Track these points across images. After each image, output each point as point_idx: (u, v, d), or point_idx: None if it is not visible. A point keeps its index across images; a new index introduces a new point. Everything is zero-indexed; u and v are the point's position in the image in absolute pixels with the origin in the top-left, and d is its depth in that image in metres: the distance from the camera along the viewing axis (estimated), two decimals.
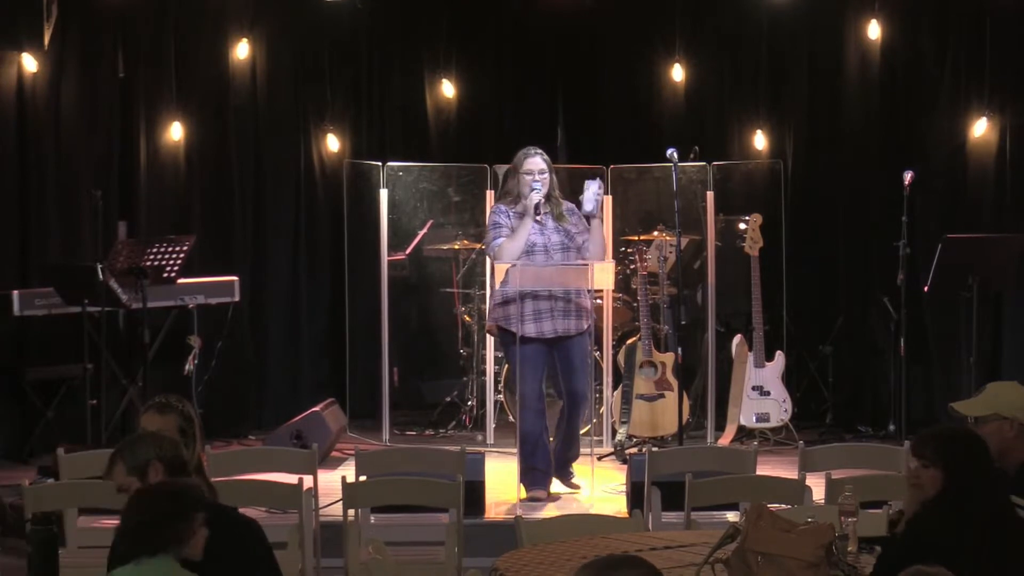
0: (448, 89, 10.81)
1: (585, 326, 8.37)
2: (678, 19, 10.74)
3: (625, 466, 8.32)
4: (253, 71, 10.47)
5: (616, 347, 9.75)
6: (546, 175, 8.27)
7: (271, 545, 4.69)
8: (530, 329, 8.23)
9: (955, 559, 3.94)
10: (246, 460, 7.10)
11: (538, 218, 8.25)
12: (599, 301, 9.70)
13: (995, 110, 10.12)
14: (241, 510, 4.92)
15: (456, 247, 10.32)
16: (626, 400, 9.42)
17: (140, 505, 4.26)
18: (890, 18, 10.35)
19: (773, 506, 5.09)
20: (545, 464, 8.32)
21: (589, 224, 8.27)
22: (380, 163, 10.02)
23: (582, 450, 9.03)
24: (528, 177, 8.22)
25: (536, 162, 8.27)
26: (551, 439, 8.44)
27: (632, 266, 9.79)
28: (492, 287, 9.72)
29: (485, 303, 9.92)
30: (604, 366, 9.67)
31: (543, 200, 8.24)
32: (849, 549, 4.63)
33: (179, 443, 4.74)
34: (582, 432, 9.65)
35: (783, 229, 10.03)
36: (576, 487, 8.46)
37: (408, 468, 6.87)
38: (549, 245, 8.26)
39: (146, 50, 10.16)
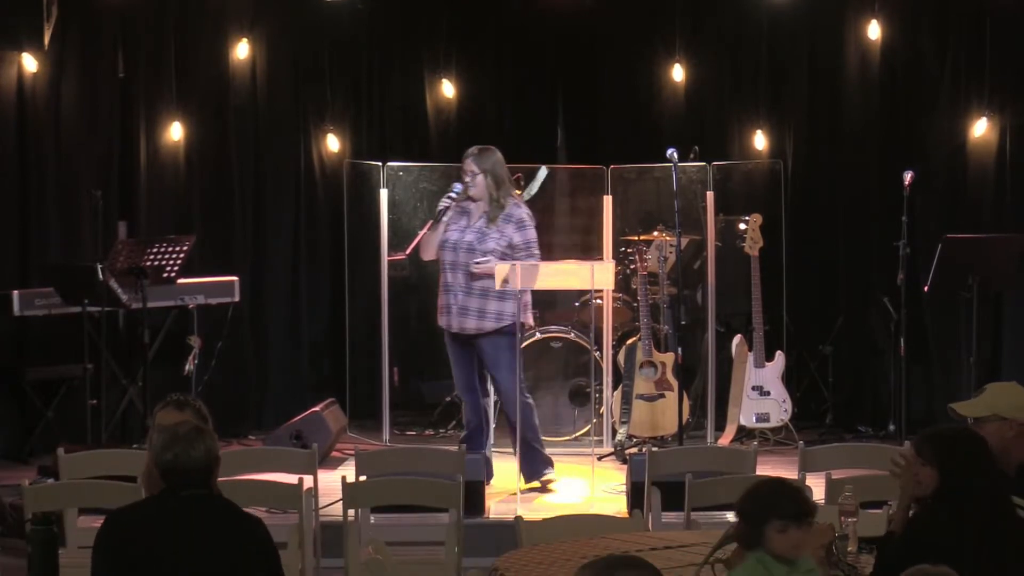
0: (448, 89, 10.81)
1: (487, 327, 8.34)
2: (678, 19, 10.73)
3: (625, 466, 8.33)
4: (253, 71, 10.47)
5: (616, 347, 9.75)
6: (476, 176, 8.32)
7: (275, 544, 4.65)
8: (441, 321, 8.52)
9: (955, 559, 3.93)
10: (246, 460, 7.11)
11: (445, 219, 8.41)
12: (599, 301, 9.71)
13: (995, 110, 10.12)
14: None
15: None
16: (626, 400, 9.41)
17: (741, 500, 4.28)
18: (890, 18, 10.35)
19: None
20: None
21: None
22: (380, 163, 10.02)
23: (582, 450, 9.07)
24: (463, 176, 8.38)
25: (467, 164, 8.39)
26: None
27: (632, 266, 9.79)
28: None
29: None
30: (604, 366, 9.67)
31: (450, 206, 8.38)
32: (849, 549, 4.63)
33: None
34: (582, 432, 9.69)
35: (783, 229, 10.03)
36: (546, 482, 8.45)
37: (408, 468, 6.88)
38: (459, 243, 8.36)
39: (146, 50, 10.17)
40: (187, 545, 4.39)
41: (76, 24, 9.86)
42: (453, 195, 8.43)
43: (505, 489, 8.41)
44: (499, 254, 8.30)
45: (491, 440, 8.87)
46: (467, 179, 8.38)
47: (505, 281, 8.29)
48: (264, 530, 4.62)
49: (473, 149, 8.47)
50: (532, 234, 8.40)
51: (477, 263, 8.29)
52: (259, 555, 4.54)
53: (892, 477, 4.80)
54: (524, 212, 8.43)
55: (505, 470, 8.74)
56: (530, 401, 8.57)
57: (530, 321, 8.73)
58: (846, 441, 9.64)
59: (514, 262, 8.18)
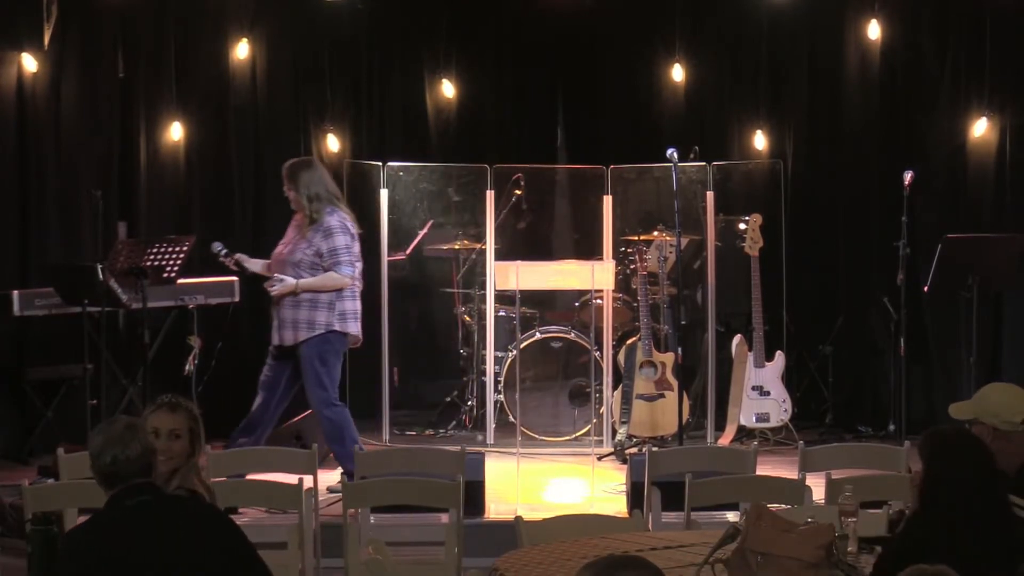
0: (448, 89, 10.81)
1: (301, 337, 8.22)
2: (678, 19, 10.74)
3: (625, 466, 8.33)
4: (253, 71, 10.47)
5: (616, 347, 9.75)
6: (290, 192, 8.34)
7: (239, 530, 4.56)
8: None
9: (948, 557, 3.93)
10: (246, 460, 7.11)
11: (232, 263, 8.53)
12: (599, 301, 9.71)
13: (995, 110, 10.12)
14: (241, 510, 4.89)
15: (456, 247, 10.32)
16: (626, 400, 9.42)
17: None
18: (890, 18, 10.35)
19: (773, 506, 5.10)
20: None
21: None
22: (380, 163, 10.02)
23: (582, 450, 9.06)
24: None
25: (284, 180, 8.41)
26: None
27: (632, 266, 9.80)
28: (492, 288, 9.74)
29: (485, 303, 9.93)
30: (604, 366, 9.67)
31: (229, 260, 8.47)
32: (849, 549, 4.62)
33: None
34: (582, 432, 9.70)
35: (783, 229, 10.03)
36: None
37: (408, 468, 6.87)
38: (279, 256, 8.35)
39: (146, 50, 10.17)
40: (142, 555, 4.29)
41: (76, 24, 9.87)
42: (222, 256, 8.49)
43: (504, 490, 8.41)
44: (308, 264, 8.21)
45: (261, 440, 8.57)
46: (286, 193, 8.40)
47: None
48: (218, 513, 4.56)
49: (286, 164, 8.44)
50: (339, 241, 8.18)
51: (271, 287, 8.21)
52: (217, 540, 4.43)
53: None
54: (335, 220, 8.22)
55: (504, 470, 8.74)
56: (334, 417, 8.31)
57: (352, 331, 8.33)
58: (846, 441, 9.64)
59: (508, 262, 8.17)
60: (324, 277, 8.20)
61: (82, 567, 4.31)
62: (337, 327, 8.24)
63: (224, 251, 8.50)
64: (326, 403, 8.30)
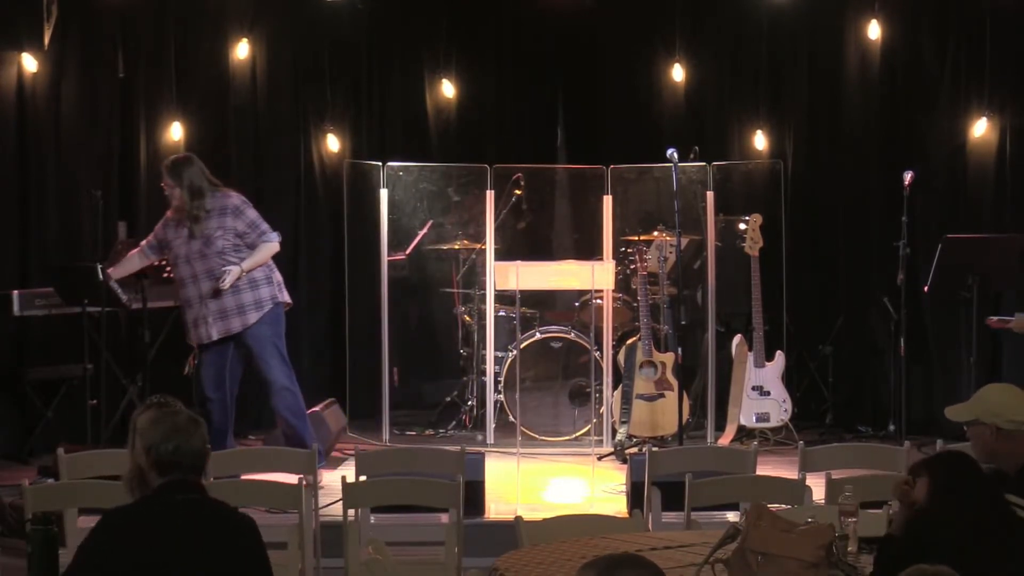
0: (448, 89, 10.81)
1: (252, 320, 8.34)
2: (678, 19, 10.74)
3: (625, 466, 8.32)
4: (253, 71, 10.47)
5: (616, 347, 9.75)
6: (174, 189, 8.32)
7: (265, 545, 4.60)
8: (197, 336, 8.45)
9: (953, 558, 3.93)
10: (246, 460, 7.11)
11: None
12: (599, 301, 9.71)
13: (995, 110, 10.12)
14: (241, 510, 4.88)
15: (456, 247, 10.32)
16: (626, 400, 9.42)
17: None
18: (890, 18, 10.35)
19: (773, 506, 5.10)
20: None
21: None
22: (380, 163, 10.02)
23: (582, 450, 9.04)
24: None
25: (164, 177, 8.42)
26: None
27: (632, 266, 9.79)
28: (492, 288, 9.74)
29: (485, 303, 9.93)
30: (604, 366, 9.67)
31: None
32: (849, 549, 4.63)
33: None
34: (582, 432, 9.69)
35: (783, 229, 10.03)
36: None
37: (408, 468, 6.87)
38: (190, 254, 8.34)
39: (146, 50, 10.17)
40: (181, 551, 4.30)
41: (76, 24, 9.86)
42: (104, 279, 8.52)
43: (504, 490, 8.41)
44: (231, 248, 8.29)
45: (232, 441, 8.68)
46: (167, 192, 8.41)
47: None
48: (255, 529, 4.57)
49: (167, 161, 8.50)
50: (252, 213, 8.41)
51: (222, 282, 8.23)
52: (250, 556, 4.45)
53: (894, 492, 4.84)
54: (235, 199, 8.41)
55: (504, 470, 8.74)
56: (298, 392, 8.50)
57: (288, 299, 8.57)
58: (846, 441, 9.64)
59: (508, 262, 8.16)
60: (260, 251, 8.36)
61: (115, 546, 4.30)
62: (279, 297, 8.45)
63: (104, 275, 8.57)
64: (291, 378, 8.45)
